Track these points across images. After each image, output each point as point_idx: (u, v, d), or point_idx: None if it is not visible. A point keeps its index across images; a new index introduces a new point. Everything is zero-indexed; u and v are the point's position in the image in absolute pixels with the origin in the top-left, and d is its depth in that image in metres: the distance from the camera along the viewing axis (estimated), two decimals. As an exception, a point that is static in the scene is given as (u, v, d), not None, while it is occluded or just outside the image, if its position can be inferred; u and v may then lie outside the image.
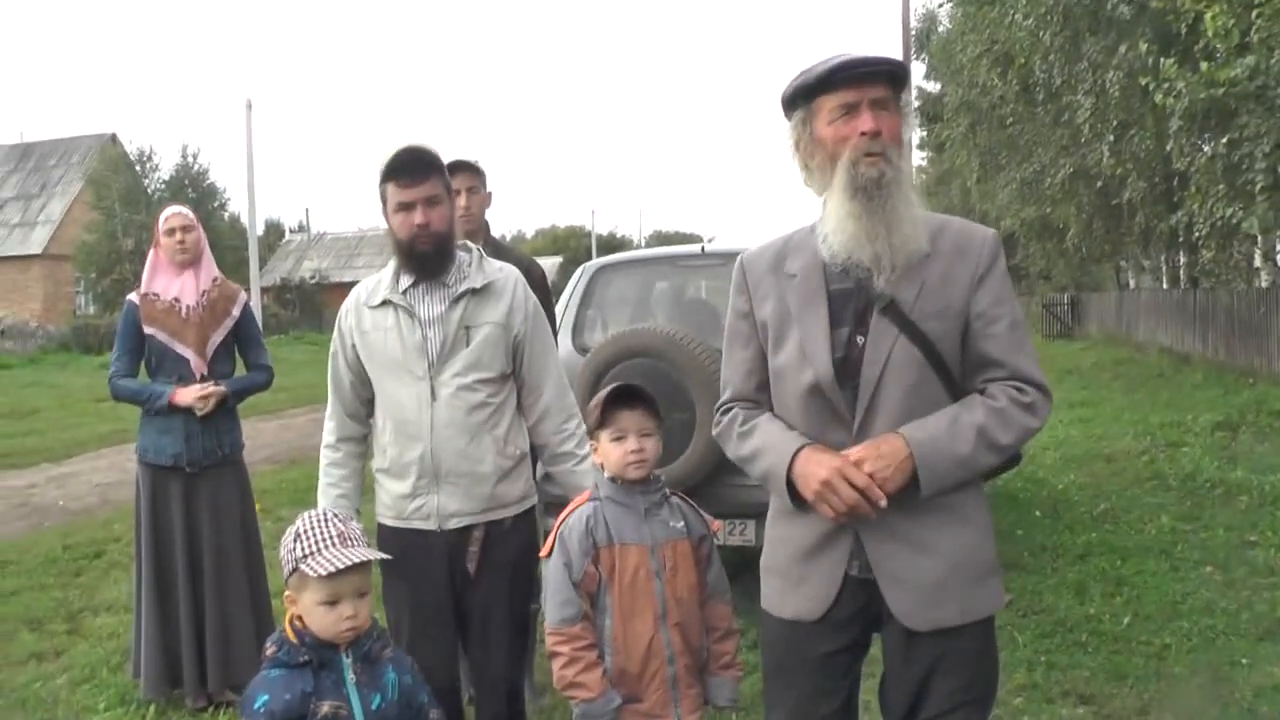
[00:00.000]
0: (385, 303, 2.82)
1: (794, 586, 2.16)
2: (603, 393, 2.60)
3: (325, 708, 2.09)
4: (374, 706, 2.15)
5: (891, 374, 2.01)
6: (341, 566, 2.08)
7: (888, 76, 2.05)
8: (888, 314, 2.02)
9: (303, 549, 2.12)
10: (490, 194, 3.99)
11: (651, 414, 2.58)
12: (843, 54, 2.06)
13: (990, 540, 2.11)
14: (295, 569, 2.12)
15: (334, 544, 2.12)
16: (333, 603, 2.10)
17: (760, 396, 2.21)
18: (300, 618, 2.15)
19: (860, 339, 2.04)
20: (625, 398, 2.57)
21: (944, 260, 2.04)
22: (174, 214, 4.09)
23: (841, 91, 2.03)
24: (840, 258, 2.05)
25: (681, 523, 2.58)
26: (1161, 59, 9.08)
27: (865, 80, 2.02)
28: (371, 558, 2.15)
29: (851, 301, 2.06)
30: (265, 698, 2.07)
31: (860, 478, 1.95)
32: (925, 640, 2.05)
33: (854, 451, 1.98)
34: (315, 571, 2.08)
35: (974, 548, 2.06)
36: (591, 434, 2.63)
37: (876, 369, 2.02)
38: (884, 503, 1.95)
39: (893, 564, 2.04)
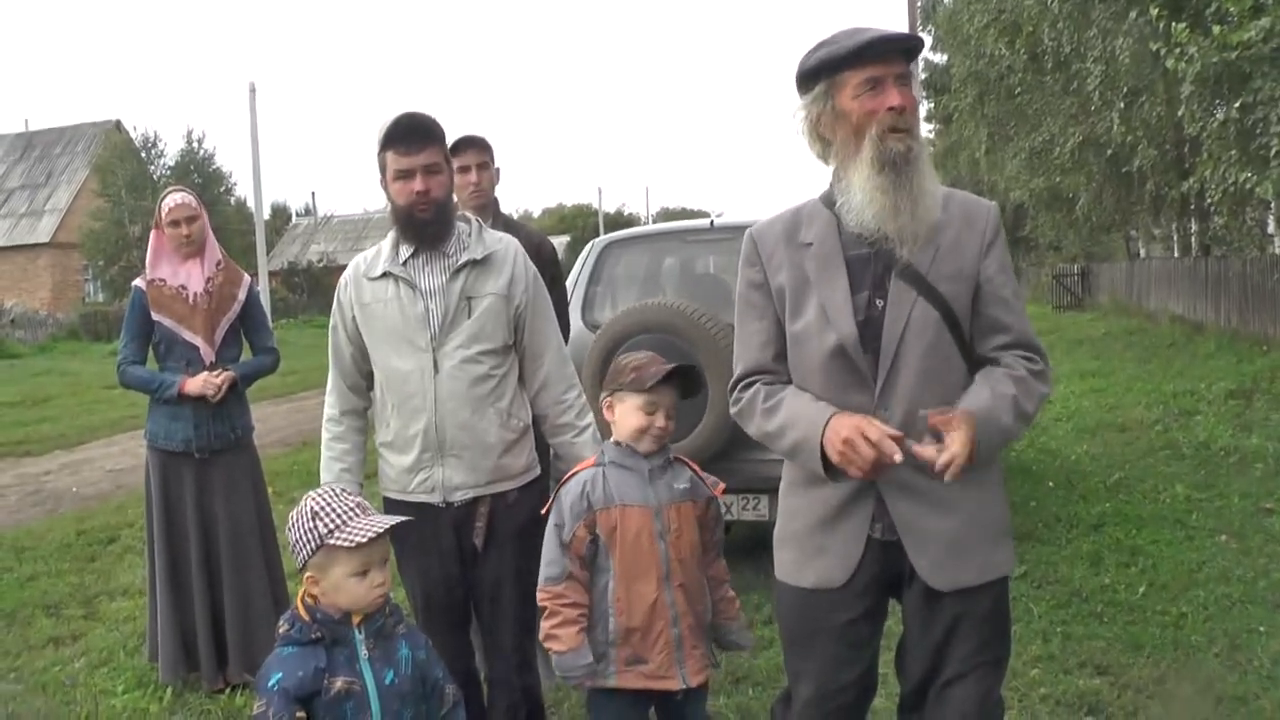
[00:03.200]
0: (385, 274, 2.80)
1: (813, 555, 2.19)
2: (649, 362, 2.54)
3: (339, 684, 2.10)
4: (387, 682, 2.16)
5: (912, 334, 2.08)
6: (378, 532, 2.11)
7: (907, 53, 2.13)
8: (905, 277, 2.08)
9: (326, 525, 2.12)
10: (498, 170, 3.97)
11: (678, 394, 2.59)
12: (867, 29, 2.10)
13: (1004, 500, 2.21)
14: (320, 545, 2.11)
15: (357, 514, 2.14)
16: (364, 572, 2.12)
17: (778, 366, 2.22)
18: (313, 595, 2.15)
19: (880, 302, 2.10)
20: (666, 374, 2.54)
21: (954, 228, 2.12)
22: (177, 205, 3.98)
23: (869, 66, 2.08)
24: (870, 229, 2.09)
25: (686, 484, 2.59)
26: (1172, 23, 8.96)
27: (891, 56, 2.09)
28: (398, 521, 2.19)
29: (869, 267, 2.12)
30: (279, 675, 2.08)
31: (875, 433, 1.96)
32: (946, 601, 2.11)
33: (958, 449, 1.94)
34: (351, 541, 2.08)
35: (991, 506, 2.16)
36: (612, 393, 2.59)
37: (898, 330, 2.08)
38: (899, 457, 1.96)
39: (917, 522, 2.10)
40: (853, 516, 2.14)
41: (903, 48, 2.11)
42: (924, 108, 26.77)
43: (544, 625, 2.52)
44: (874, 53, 2.07)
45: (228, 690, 3.99)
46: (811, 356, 2.14)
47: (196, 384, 3.92)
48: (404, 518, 2.30)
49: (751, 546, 5.33)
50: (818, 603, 2.19)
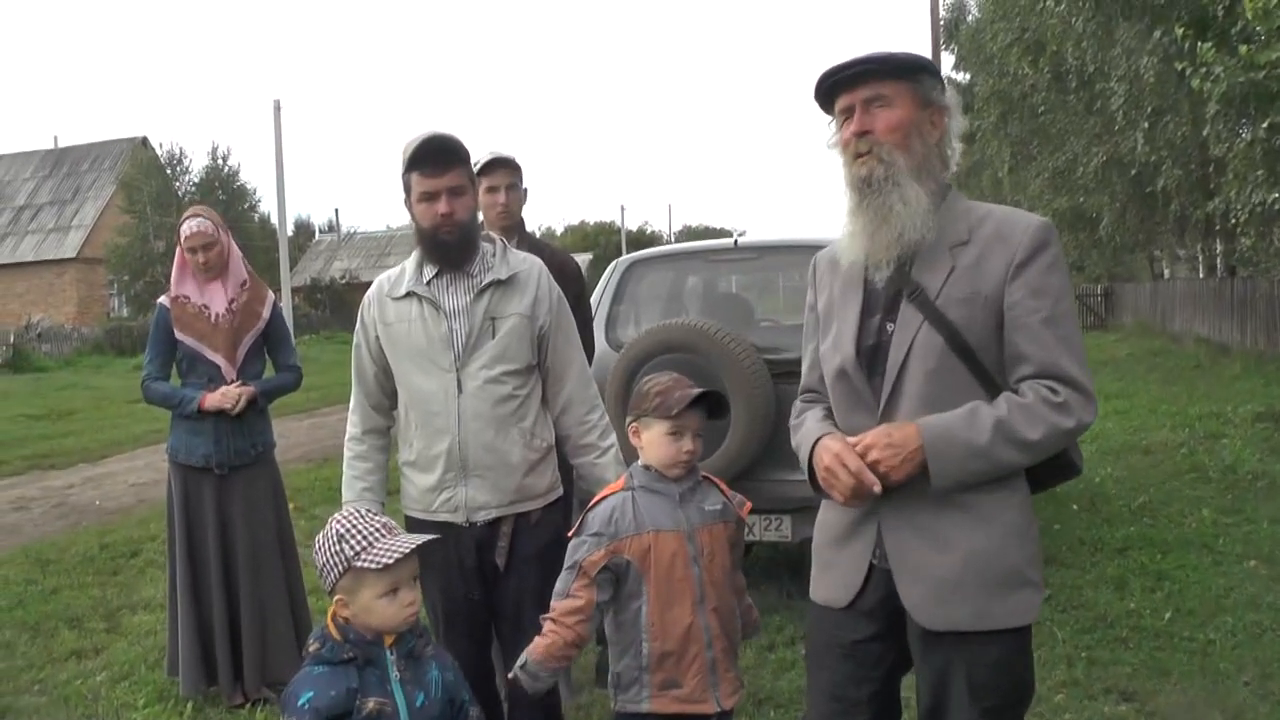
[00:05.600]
0: (409, 294, 2.81)
1: (824, 571, 2.22)
2: (674, 386, 2.51)
3: (371, 704, 2.08)
4: (418, 704, 2.14)
5: (914, 359, 2.03)
6: (405, 552, 2.09)
7: (882, 73, 2.08)
8: (914, 301, 2.04)
9: (352, 547, 2.10)
10: (526, 190, 3.98)
11: (705, 415, 2.56)
12: (842, 61, 2.11)
13: (1020, 549, 2.04)
14: (348, 569, 2.10)
15: (383, 534, 2.13)
16: (394, 591, 2.10)
17: (821, 387, 2.27)
18: (344, 617, 2.13)
19: (890, 326, 2.08)
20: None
21: (979, 246, 2.04)
22: (194, 234, 3.97)
23: (840, 97, 2.11)
24: (846, 254, 2.13)
25: (718, 506, 2.56)
26: (1198, 42, 8.92)
27: (852, 84, 2.09)
28: (425, 540, 2.17)
29: (886, 290, 2.11)
30: (310, 694, 2.06)
31: (853, 462, 1.99)
32: (941, 641, 2.04)
33: (867, 437, 2.02)
34: (378, 563, 2.07)
35: (997, 551, 2.01)
36: (638, 418, 2.56)
37: (901, 354, 2.05)
38: (878, 488, 1.98)
39: (907, 555, 2.05)
40: (857, 540, 2.13)
41: (866, 71, 2.07)
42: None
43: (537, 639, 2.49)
44: (831, 87, 2.11)
45: (248, 705, 4.00)
46: (827, 377, 2.18)
47: (215, 399, 3.95)
48: (432, 536, 2.28)
49: (774, 567, 5.31)
50: (829, 619, 2.19)
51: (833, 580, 2.17)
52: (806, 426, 2.21)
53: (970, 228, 2.06)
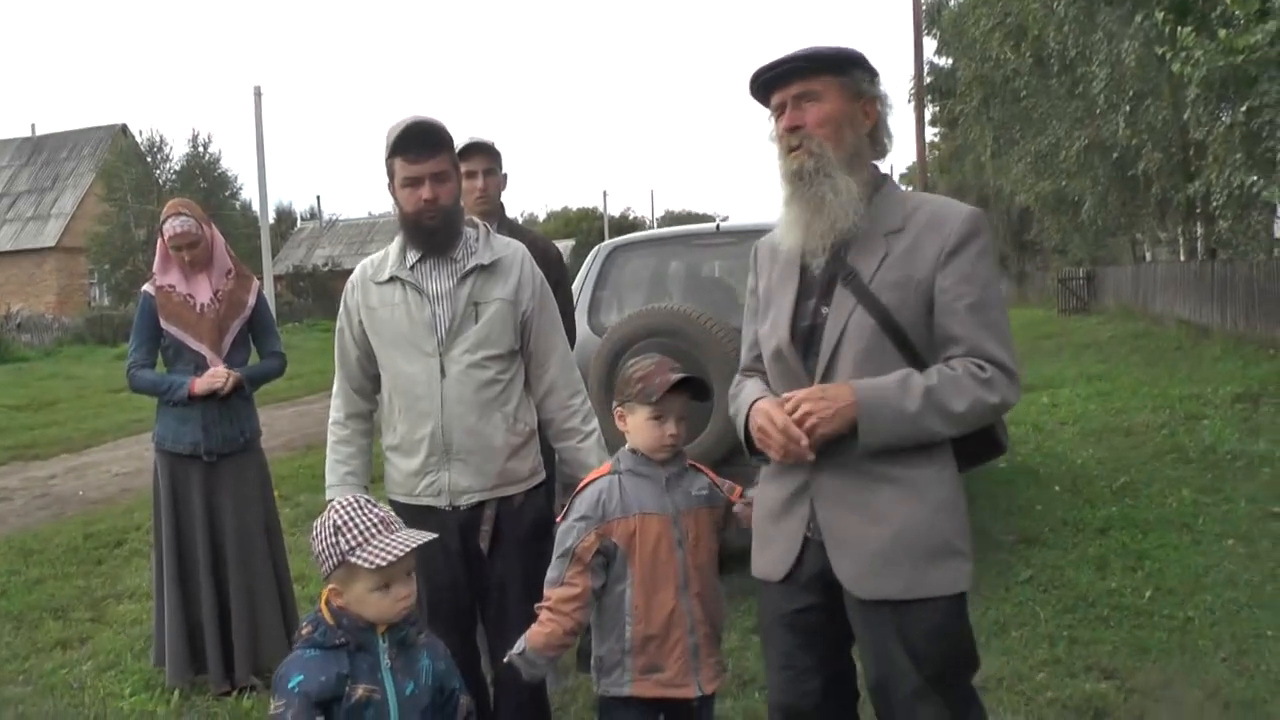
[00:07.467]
0: (393, 279, 2.81)
1: (763, 546, 2.30)
2: (656, 371, 2.51)
3: (360, 691, 2.07)
4: (408, 693, 2.14)
5: (848, 341, 2.12)
6: (401, 554, 2.06)
7: (810, 69, 2.15)
8: (848, 285, 2.13)
9: (348, 541, 2.08)
10: (506, 176, 3.97)
11: (689, 397, 2.57)
12: (773, 59, 2.19)
13: (950, 522, 2.12)
14: (342, 562, 2.08)
15: (380, 530, 2.10)
16: (387, 586, 2.09)
17: (759, 366, 2.35)
18: (338, 604, 2.12)
19: (825, 309, 2.16)
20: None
21: (913, 234, 2.13)
22: (177, 234, 3.95)
23: (773, 93, 2.20)
24: (783, 241, 2.21)
25: (704, 490, 2.58)
26: (1178, 27, 8.98)
27: (784, 80, 2.18)
28: (421, 541, 2.13)
29: (822, 274, 2.19)
30: (300, 677, 2.05)
31: (780, 418, 2.05)
32: (878, 611, 2.11)
33: (799, 394, 2.08)
34: (372, 563, 2.05)
35: (926, 524, 2.09)
36: (622, 404, 2.57)
37: (835, 336, 2.13)
38: (805, 442, 2.03)
39: (838, 528, 2.12)
40: (791, 515, 2.20)
41: (793, 69, 2.14)
42: (929, 111, 26.80)
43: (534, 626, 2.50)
44: (765, 83, 2.19)
45: (235, 693, 4.00)
46: (765, 358, 2.28)
47: (205, 382, 3.94)
48: (429, 535, 2.22)
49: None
50: (770, 592, 2.27)
51: (771, 555, 2.25)
52: (744, 393, 2.29)
53: (905, 216, 2.15)
